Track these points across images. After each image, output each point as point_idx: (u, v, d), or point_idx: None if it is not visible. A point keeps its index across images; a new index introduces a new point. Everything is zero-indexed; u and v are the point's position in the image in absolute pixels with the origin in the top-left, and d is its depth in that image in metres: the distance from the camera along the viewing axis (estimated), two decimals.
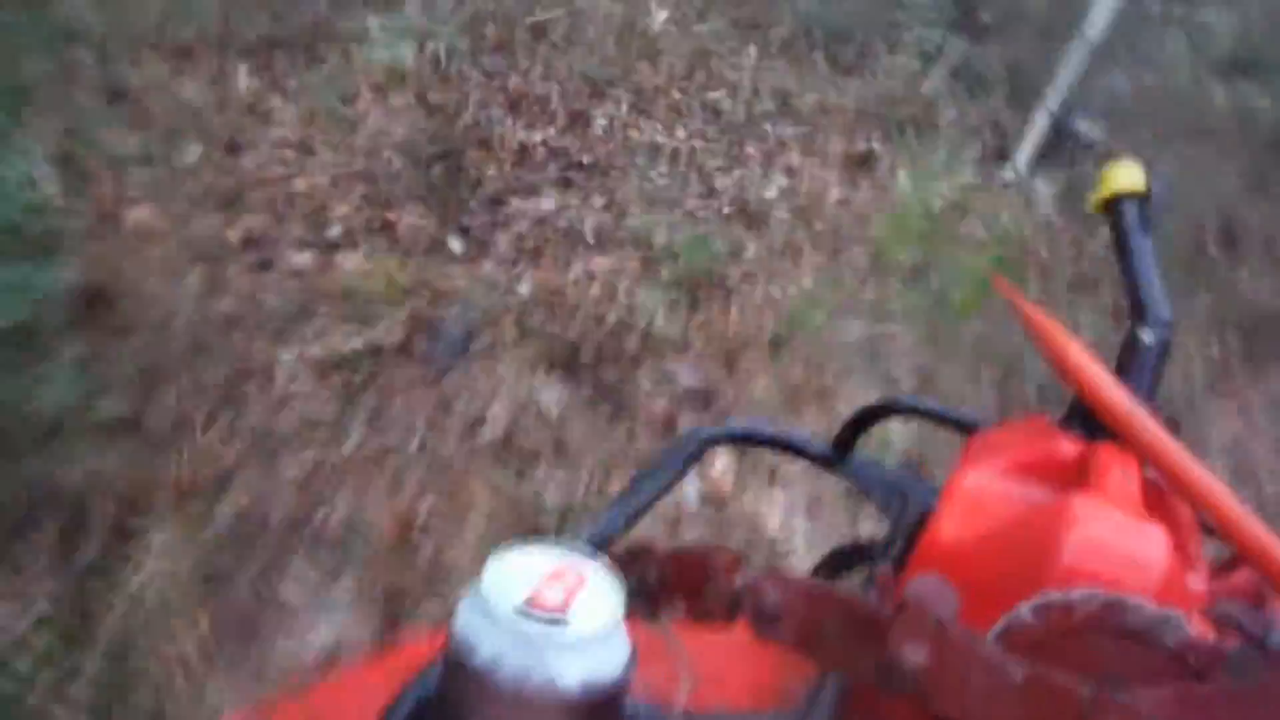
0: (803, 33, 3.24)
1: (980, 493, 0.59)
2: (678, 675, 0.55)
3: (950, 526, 0.59)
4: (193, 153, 2.46)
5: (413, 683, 0.46)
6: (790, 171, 2.85)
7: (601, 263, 2.44)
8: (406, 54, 2.76)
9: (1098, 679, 0.45)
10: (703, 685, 0.55)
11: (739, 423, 0.75)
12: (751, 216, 2.68)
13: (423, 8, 2.94)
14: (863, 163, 2.95)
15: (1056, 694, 0.45)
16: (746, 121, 2.94)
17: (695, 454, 0.70)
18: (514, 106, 2.76)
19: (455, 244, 2.43)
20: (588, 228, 2.52)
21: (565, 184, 2.64)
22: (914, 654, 0.46)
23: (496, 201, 2.55)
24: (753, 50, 3.13)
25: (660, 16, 3.08)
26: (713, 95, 2.99)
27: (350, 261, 2.32)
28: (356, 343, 2.13)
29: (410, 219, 2.43)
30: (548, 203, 2.57)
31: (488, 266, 2.39)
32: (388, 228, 2.42)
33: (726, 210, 2.68)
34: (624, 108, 2.85)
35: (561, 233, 2.50)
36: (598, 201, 2.61)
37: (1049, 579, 0.53)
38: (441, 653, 0.42)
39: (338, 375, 2.08)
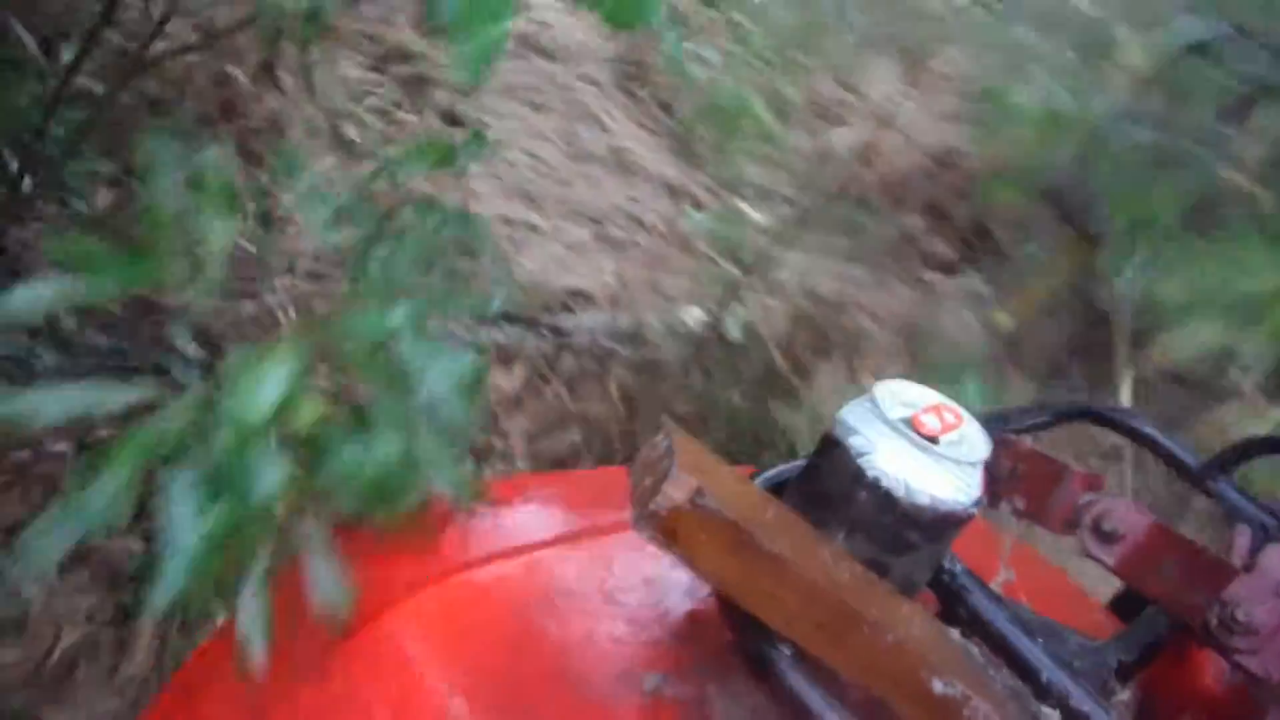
0: None
1: None
2: (998, 562, 0.59)
3: None
4: None
5: (780, 467, 0.53)
6: None
7: None
8: None
9: None
10: (1018, 583, 0.59)
11: (1123, 412, 0.77)
12: None
13: None
14: None
15: None
16: None
17: (1069, 416, 0.73)
18: None
19: None
20: None
21: None
22: (1251, 611, 0.48)
23: None
24: None
25: None
26: None
27: None
28: None
29: None
30: None
31: None
32: None
33: None
34: None
35: None
36: None
37: None
38: (821, 437, 0.49)
39: None
